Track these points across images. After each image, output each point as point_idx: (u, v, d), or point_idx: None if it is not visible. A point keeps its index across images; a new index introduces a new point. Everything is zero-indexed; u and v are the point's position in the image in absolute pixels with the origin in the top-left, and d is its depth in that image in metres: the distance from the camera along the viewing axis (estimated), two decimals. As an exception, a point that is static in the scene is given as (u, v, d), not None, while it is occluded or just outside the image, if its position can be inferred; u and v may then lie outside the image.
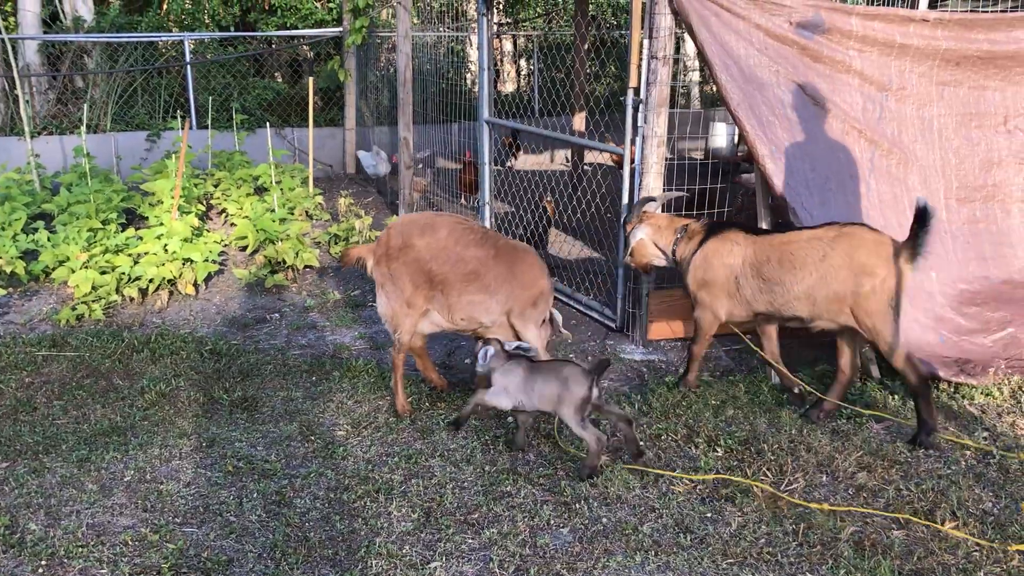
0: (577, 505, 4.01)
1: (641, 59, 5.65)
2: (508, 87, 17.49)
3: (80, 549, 3.63)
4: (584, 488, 4.14)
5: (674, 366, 5.74)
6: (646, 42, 5.59)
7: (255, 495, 4.09)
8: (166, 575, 3.47)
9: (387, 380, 5.41)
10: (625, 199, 5.98)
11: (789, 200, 5.33)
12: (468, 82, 16.58)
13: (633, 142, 5.82)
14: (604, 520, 3.90)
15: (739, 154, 11.35)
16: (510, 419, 4.75)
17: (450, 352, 6.04)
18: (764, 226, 5.57)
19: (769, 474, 4.28)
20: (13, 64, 10.23)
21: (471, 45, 16.67)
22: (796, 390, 5.08)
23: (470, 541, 3.74)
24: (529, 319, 4.94)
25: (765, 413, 4.94)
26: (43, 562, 3.56)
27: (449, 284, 4.86)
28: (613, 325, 6.24)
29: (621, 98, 5.89)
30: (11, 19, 13.22)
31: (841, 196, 5.57)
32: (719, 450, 4.52)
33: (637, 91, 5.71)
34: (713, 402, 5.07)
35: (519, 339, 4.87)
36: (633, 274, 5.95)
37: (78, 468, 4.32)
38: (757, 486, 4.13)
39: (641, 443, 4.49)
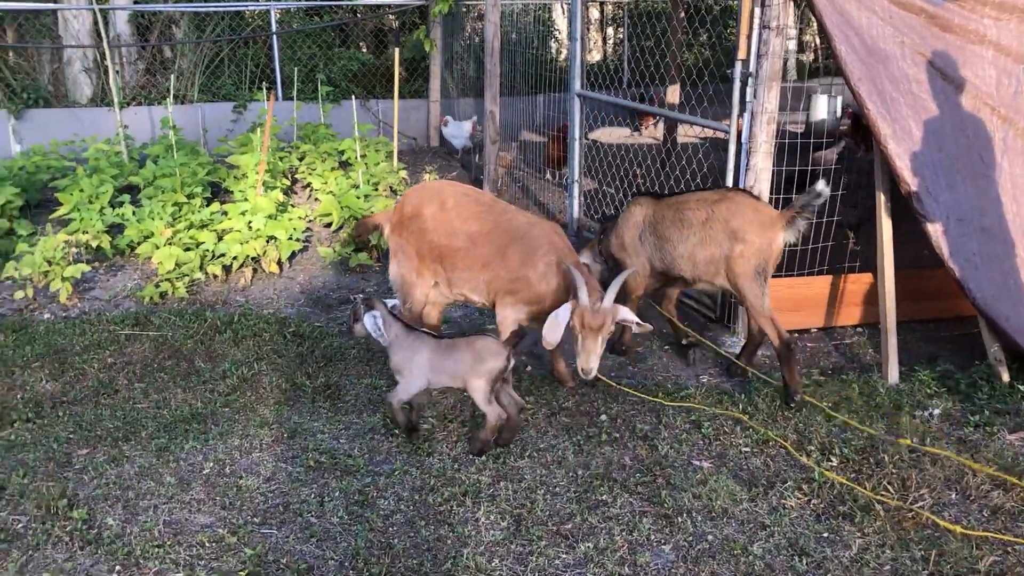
0: (679, 519, 3.69)
1: (752, 29, 5.23)
2: (595, 56, 17.00)
3: (156, 549, 3.48)
4: (687, 499, 3.82)
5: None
6: (757, 11, 5.16)
7: (337, 494, 3.89)
8: (244, 582, 3.29)
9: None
10: (730, 180, 5.57)
11: (913, 184, 4.87)
12: (554, 52, 16.16)
13: (740, 118, 5.40)
14: (710, 537, 3.58)
15: (841, 128, 10.73)
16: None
17: (536, 339, 5.75)
18: (884, 213, 5.11)
19: (891, 489, 3.89)
20: (104, 34, 10.22)
21: (560, 13, 16.23)
22: (684, 341, 5.40)
23: (564, 556, 3.46)
24: (506, 305, 4.60)
25: (882, 418, 4.53)
26: (120, 561, 3.42)
27: (445, 258, 4.69)
28: (712, 315, 5.86)
29: (728, 71, 5.47)
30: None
31: (970, 179, 5.08)
32: (833, 459, 4.14)
33: (746, 63, 5.28)
34: (824, 404, 4.68)
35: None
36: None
37: (157, 458, 4.18)
38: (880, 502, 3.75)
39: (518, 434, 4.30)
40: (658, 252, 5.05)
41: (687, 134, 10.62)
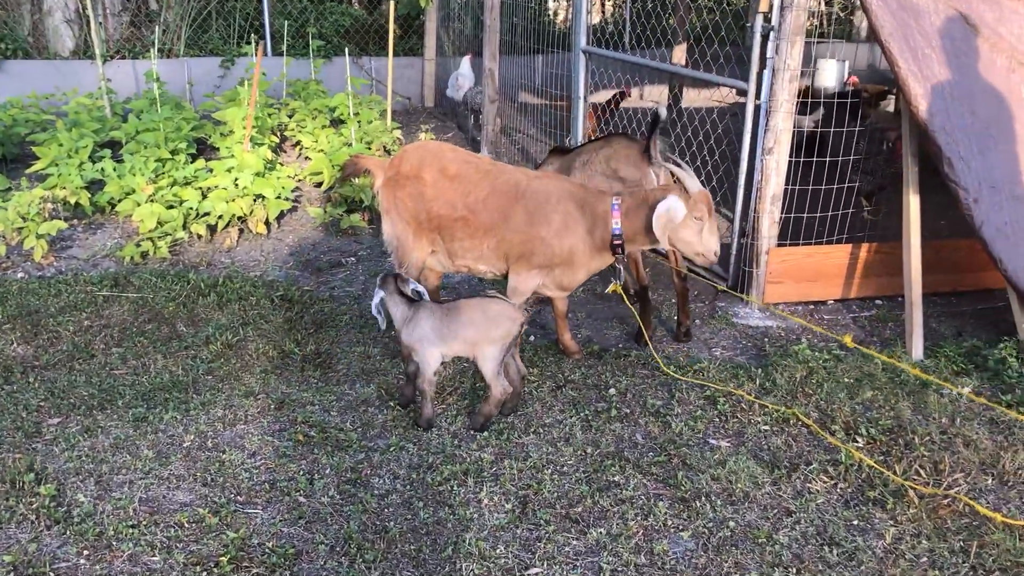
0: (698, 503, 3.42)
1: (775, -21, 4.89)
2: (594, 17, 16.55)
3: (131, 530, 3.19)
4: (704, 482, 3.55)
5: (795, 334, 5.07)
6: (782, -41, 4.82)
7: (328, 471, 3.60)
8: (225, 569, 3.00)
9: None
10: (747, 141, 5.26)
11: (944, 148, 4.56)
12: (552, 13, 15.71)
13: (760, 76, 5.08)
14: (731, 524, 3.31)
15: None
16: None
17: (540, 310, 5.45)
18: (912, 180, 4.81)
19: (923, 473, 3.63)
20: (84, -17, 9.76)
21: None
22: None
23: (575, 543, 3.19)
24: (520, 272, 4.27)
25: (908, 396, 4.27)
26: (90, 543, 3.13)
27: (444, 228, 4.37)
28: (724, 285, 5.57)
29: (747, 24, 5.13)
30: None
31: (1004, 144, 4.76)
32: (859, 440, 3.88)
33: (768, 16, 4.95)
34: (846, 380, 4.41)
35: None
36: (752, 228, 5.25)
37: (134, 429, 3.88)
38: (912, 488, 3.49)
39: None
40: None
41: (695, 100, 10.28)
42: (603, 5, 17.13)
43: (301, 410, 4.08)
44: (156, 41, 9.50)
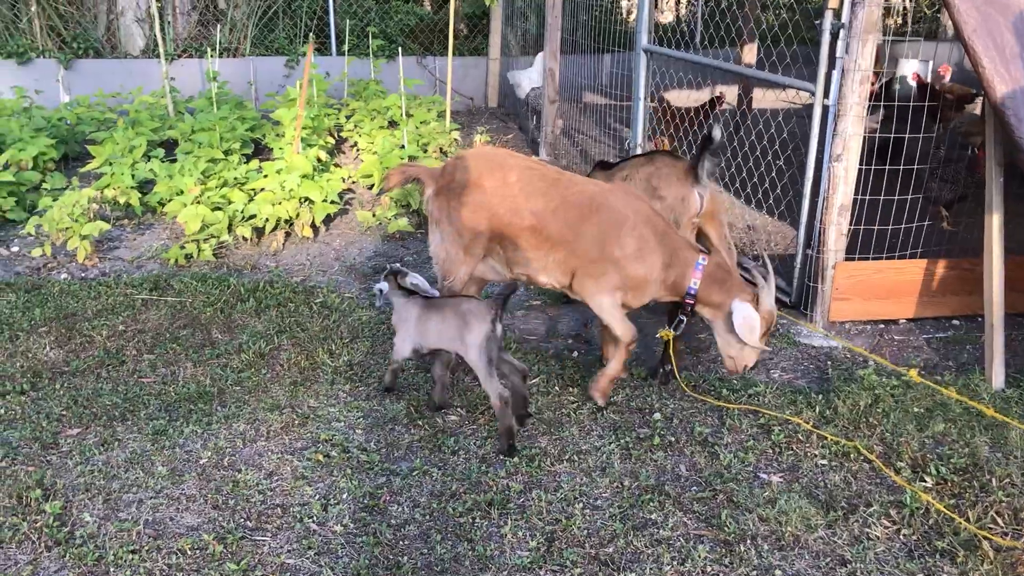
0: (742, 546, 3.11)
1: (847, -27, 4.53)
2: (667, 16, 16.14)
3: (131, 555, 3.02)
4: (751, 523, 3.24)
5: (862, 356, 4.69)
6: (854, -49, 4.45)
7: (345, 495, 3.39)
8: (222, 603, 2.81)
9: (512, 353, 4.62)
10: (813, 146, 4.90)
11: (1034, 157, 4.14)
12: (624, 12, 15.36)
13: (828, 77, 4.71)
14: (778, 572, 2.99)
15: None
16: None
17: (586, 322, 5.17)
18: (995, 190, 4.39)
19: (1000, 521, 3.25)
20: (150, -17, 9.81)
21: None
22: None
23: (601, 589, 2.92)
24: (590, 287, 3.98)
25: (986, 430, 3.87)
26: (88, 568, 2.97)
27: (507, 237, 4.06)
28: (787, 300, 5.20)
29: (817, 22, 4.78)
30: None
31: (1102, 154, 4.32)
32: (928, 479, 3.51)
33: (838, 13, 4.58)
34: (916, 410, 4.03)
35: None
36: (818, 240, 4.89)
37: (152, 443, 3.73)
38: (987, 539, 3.12)
39: (531, 406, 3.98)
40: None
41: (764, 101, 9.83)
42: (677, 4, 16.72)
43: (325, 427, 3.89)
44: (219, 40, 9.48)
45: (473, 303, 3.83)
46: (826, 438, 3.80)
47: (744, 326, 3.81)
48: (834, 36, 4.63)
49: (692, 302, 3.95)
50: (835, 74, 4.64)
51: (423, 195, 4.31)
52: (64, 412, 3.99)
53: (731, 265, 4.06)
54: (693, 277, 3.91)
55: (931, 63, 10.18)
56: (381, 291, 4.07)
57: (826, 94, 4.75)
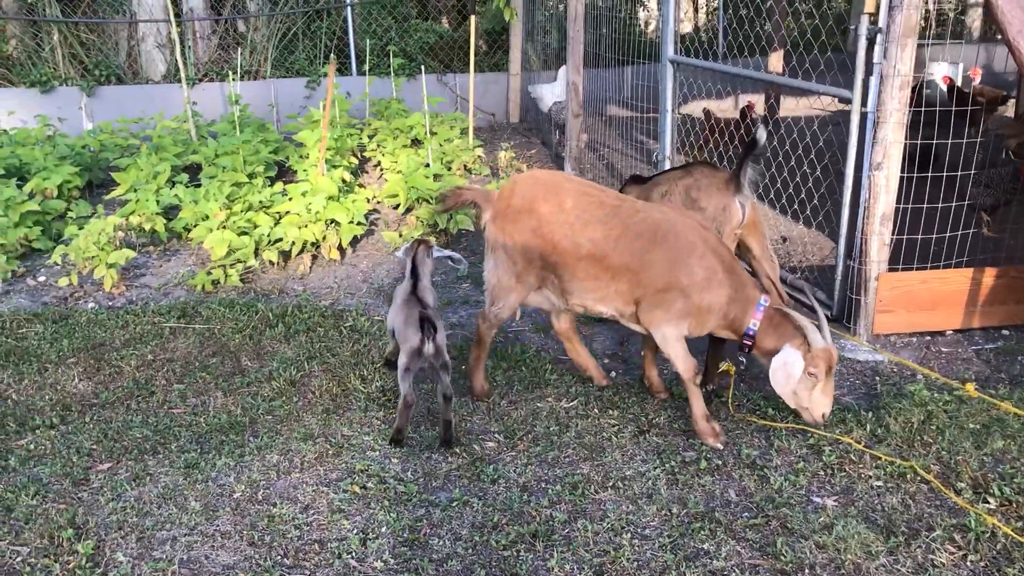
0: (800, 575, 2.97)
1: (883, -24, 4.41)
2: (685, 26, 16.04)
3: (166, 597, 2.92)
4: (808, 551, 3.09)
5: (909, 370, 4.53)
6: (890, -47, 4.33)
7: (384, 529, 3.28)
8: (262, 648, 2.71)
9: (548, 373, 4.51)
10: (852, 154, 4.77)
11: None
12: (642, 23, 15.28)
13: (865, 83, 4.59)
14: (840, 605, 2.85)
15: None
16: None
17: (622, 340, 5.05)
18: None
19: (1070, 545, 3.09)
20: (170, 8, 9.82)
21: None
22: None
23: (656, 625, 2.79)
24: (657, 317, 3.82)
25: (1047, 446, 3.71)
26: (123, 611, 2.88)
27: (563, 266, 3.91)
28: (828, 314, 5.06)
29: (852, 27, 4.65)
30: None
31: None
32: (991, 500, 3.35)
33: (874, 18, 4.46)
34: (972, 426, 3.87)
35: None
36: (860, 250, 4.74)
37: (184, 476, 3.64)
38: (1059, 566, 2.96)
39: (453, 431, 3.89)
40: None
41: (793, 109, 9.70)
42: (695, 14, 16.62)
43: (361, 456, 3.78)
44: (240, 63, 9.47)
45: (414, 318, 3.89)
46: (880, 458, 3.65)
47: (780, 371, 3.63)
48: (870, 41, 4.51)
49: (750, 343, 3.79)
50: (873, 80, 4.51)
51: (480, 220, 4.20)
52: (94, 446, 3.91)
53: (788, 311, 3.84)
54: (754, 317, 3.76)
55: (960, 65, 10.02)
56: (404, 256, 4.30)
57: (864, 101, 4.62)
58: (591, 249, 3.84)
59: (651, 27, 15.63)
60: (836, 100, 7.69)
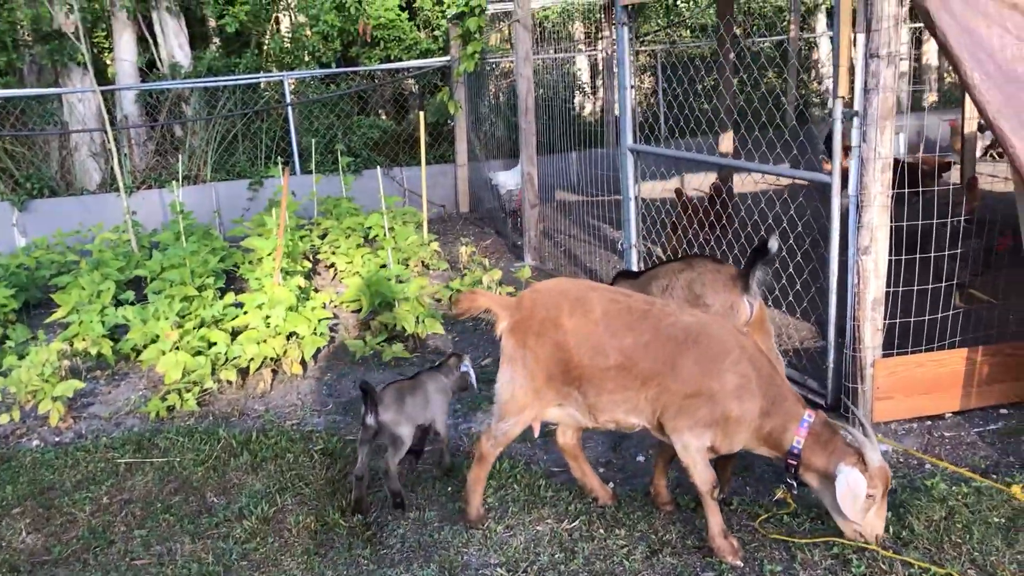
0: None
1: (851, 60, 4.37)
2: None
3: None
4: None
5: (915, 459, 4.35)
6: (860, 37, 4.29)
7: None
8: None
9: (542, 490, 4.22)
10: (835, 239, 4.66)
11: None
12: (577, 107, 15.41)
13: (843, 167, 4.51)
14: None
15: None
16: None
17: (615, 445, 4.79)
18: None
19: None
20: (105, 117, 9.53)
21: (583, 65, 15.57)
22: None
23: None
24: (681, 424, 3.54)
25: (1079, 538, 3.52)
26: None
27: (587, 380, 3.66)
28: (822, 403, 4.88)
29: (826, 110, 4.59)
30: (109, 70, 12.77)
31: None
32: (1036, 607, 3.14)
33: (848, 101, 4.40)
34: (996, 519, 3.68)
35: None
36: (852, 337, 4.60)
37: (155, 646, 3.24)
38: None
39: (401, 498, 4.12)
40: None
41: (741, 185, 9.72)
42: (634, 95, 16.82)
43: (352, 605, 3.43)
44: (180, 170, 9.19)
45: (391, 394, 4.18)
46: (912, 564, 3.42)
47: (847, 495, 3.34)
48: (847, 124, 4.45)
49: (795, 463, 3.47)
50: (853, 164, 4.43)
51: (496, 328, 3.89)
52: (49, 615, 3.50)
53: (836, 424, 3.59)
54: (797, 435, 3.46)
55: (903, 135, 10.21)
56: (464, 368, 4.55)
57: (844, 184, 4.53)
58: (619, 359, 3.59)
59: (586, 110, 15.79)
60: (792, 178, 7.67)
